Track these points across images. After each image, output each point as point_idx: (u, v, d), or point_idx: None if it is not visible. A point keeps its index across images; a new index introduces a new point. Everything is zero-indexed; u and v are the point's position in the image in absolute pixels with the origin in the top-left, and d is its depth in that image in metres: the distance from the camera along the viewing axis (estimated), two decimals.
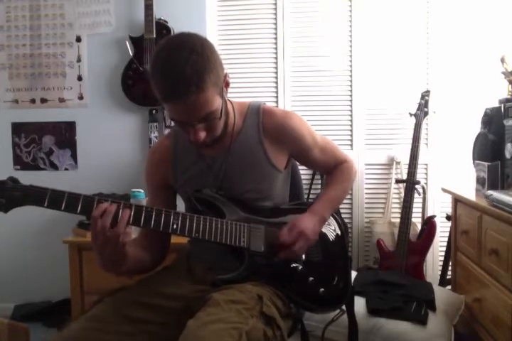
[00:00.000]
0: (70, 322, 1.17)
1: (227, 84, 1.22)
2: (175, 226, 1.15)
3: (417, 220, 2.48)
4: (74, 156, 2.70)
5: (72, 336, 1.10)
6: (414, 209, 2.40)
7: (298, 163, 1.53)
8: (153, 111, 2.58)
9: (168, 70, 1.08)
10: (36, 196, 1.04)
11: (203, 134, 1.18)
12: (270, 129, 1.33)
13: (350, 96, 2.60)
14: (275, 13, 2.61)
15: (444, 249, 2.40)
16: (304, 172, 2.27)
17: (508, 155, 1.80)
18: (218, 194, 1.29)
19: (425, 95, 2.45)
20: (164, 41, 1.15)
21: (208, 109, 1.14)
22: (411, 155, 2.40)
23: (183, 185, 1.35)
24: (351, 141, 2.60)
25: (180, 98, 1.09)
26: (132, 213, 1.10)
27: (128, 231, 1.10)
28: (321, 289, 1.30)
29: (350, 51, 2.58)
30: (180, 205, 1.44)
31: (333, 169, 1.45)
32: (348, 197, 2.55)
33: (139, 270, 1.28)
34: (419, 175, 2.49)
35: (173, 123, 1.24)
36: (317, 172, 2.55)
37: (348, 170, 1.45)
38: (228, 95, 1.31)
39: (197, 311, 1.09)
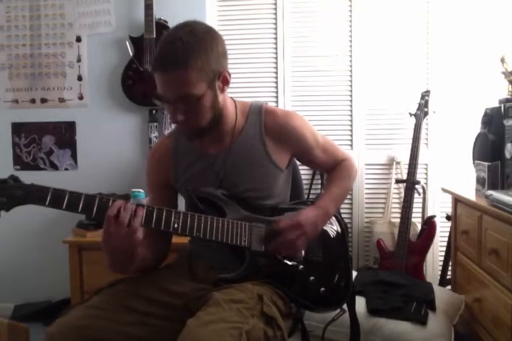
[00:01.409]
0: (69, 310, 1.17)
1: (225, 81, 1.22)
2: (176, 225, 1.15)
3: (417, 220, 2.48)
4: (74, 156, 2.70)
5: (71, 323, 1.11)
6: (414, 209, 2.40)
7: (298, 163, 1.53)
8: (153, 111, 2.58)
9: (163, 43, 1.16)
10: (38, 195, 1.04)
11: (179, 116, 1.19)
12: (272, 129, 1.33)
13: (350, 96, 2.60)
14: (275, 13, 2.61)
15: (444, 248, 2.40)
16: (304, 172, 2.27)
17: (508, 155, 1.80)
18: (219, 192, 1.29)
19: (425, 95, 2.45)
20: (179, 23, 1.21)
21: (186, 90, 1.15)
22: (411, 155, 2.40)
23: (184, 184, 1.35)
24: (351, 141, 2.60)
25: (162, 68, 1.14)
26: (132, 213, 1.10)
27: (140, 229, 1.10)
28: (322, 288, 1.30)
29: (350, 51, 2.58)
30: (180, 205, 1.44)
31: (333, 167, 1.46)
32: (348, 197, 2.55)
33: (143, 269, 1.28)
34: (419, 175, 2.49)
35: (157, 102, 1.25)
36: (317, 172, 2.55)
37: (348, 168, 1.46)
38: (229, 95, 1.32)
39: (197, 310, 1.09)
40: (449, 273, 2.32)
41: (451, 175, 2.52)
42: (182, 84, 1.14)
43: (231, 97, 1.35)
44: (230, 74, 1.23)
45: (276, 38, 2.62)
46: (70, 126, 2.69)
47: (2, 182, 1.04)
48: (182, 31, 1.16)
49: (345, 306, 1.37)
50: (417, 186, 2.39)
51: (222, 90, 1.24)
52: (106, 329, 1.12)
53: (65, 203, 1.05)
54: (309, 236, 1.27)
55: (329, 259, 1.36)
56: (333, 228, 1.41)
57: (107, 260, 1.14)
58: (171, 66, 1.13)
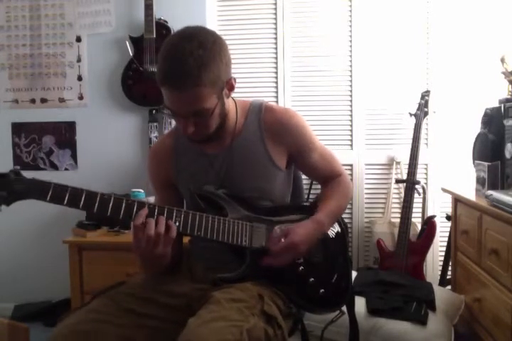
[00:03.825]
0: (69, 314, 1.17)
1: (231, 88, 1.22)
2: (177, 223, 1.15)
3: (417, 220, 2.48)
4: (74, 156, 2.70)
5: (71, 328, 1.10)
6: (414, 209, 2.40)
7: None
8: (153, 111, 2.58)
9: (172, 57, 1.11)
10: (39, 190, 1.03)
11: (191, 129, 1.19)
12: (270, 126, 1.32)
13: (350, 96, 2.60)
14: (275, 13, 2.61)
15: (444, 248, 2.40)
16: None
17: (508, 155, 1.80)
18: (220, 192, 1.29)
19: (425, 95, 2.45)
20: (180, 29, 1.17)
21: (200, 105, 1.14)
22: (411, 155, 2.40)
23: (185, 183, 1.35)
24: (351, 141, 2.60)
25: (175, 87, 1.11)
26: (135, 210, 1.10)
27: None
28: (321, 290, 1.30)
29: (350, 51, 2.58)
30: None
31: (329, 180, 1.43)
32: None
33: (166, 267, 1.28)
34: (419, 175, 2.49)
35: (165, 110, 1.24)
36: None
37: (346, 185, 1.43)
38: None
39: (198, 310, 1.09)
40: (449, 273, 2.32)
41: (451, 175, 2.52)
42: (196, 100, 1.13)
43: (231, 97, 1.35)
44: (235, 80, 1.23)
45: (276, 38, 2.62)
46: (70, 126, 2.69)
47: (3, 176, 1.02)
48: (191, 45, 1.10)
49: (344, 308, 1.37)
50: (417, 186, 2.39)
51: (228, 96, 1.25)
52: (106, 333, 1.12)
53: (66, 199, 1.05)
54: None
55: (329, 260, 1.35)
56: (333, 229, 1.40)
57: (142, 265, 1.23)
58: (185, 84, 1.10)
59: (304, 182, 1.61)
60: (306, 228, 1.26)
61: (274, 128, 1.32)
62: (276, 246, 1.21)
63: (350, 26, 2.57)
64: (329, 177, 1.43)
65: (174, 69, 1.10)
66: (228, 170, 1.32)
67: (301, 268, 1.28)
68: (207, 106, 1.15)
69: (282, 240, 1.22)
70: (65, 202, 1.05)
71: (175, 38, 1.15)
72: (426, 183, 2.54)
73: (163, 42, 1.16)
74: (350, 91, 2.59)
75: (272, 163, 1.33)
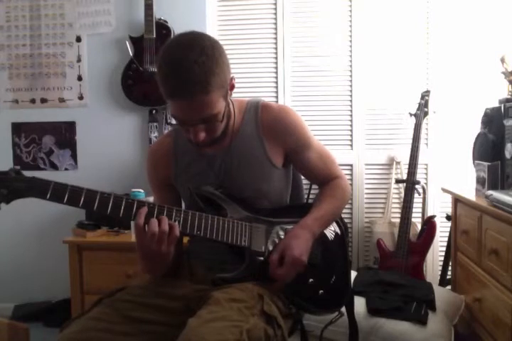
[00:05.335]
0: (70, 322, 1.16)
1: (232, 87, 1.22)
2: (176, 223, 1.15)
3: (417, 220, 2.48)
4: (74, 156, 2.70)
5: (73, 337, 1.10)
6: (414, 209, 2.40)
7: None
8: (153, 111, 2.58)
9: (177, 68, 1.09)
10: (39, 188, 1.04)
11: (202, 135, 1.18)
12: (267, 124, 1.32)
13: (350, 96, 2.60)
14: (275, 13, 2.61)
15: (444, 248, 2.40)
16: None
17: (508, 155, 1.80)
18: (219, 192, 1.29)
19: (425, 95, 2.45)
20: (175, 38, 1.16)
21: (211, 111, 1.14)
22: (411, 155, 2.40)
23: (184, 184, 1.35)
24: (351, 141, 2.60)
25: (185, 97, 1.10)
26: (134, 208, 1.10)
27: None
28: (321, 291, 1.30)
29: (350, 51, 2.58)
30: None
31: (326, 181, 1.42)
32: None
33: (168, 267, 1.27)
34: (419, 175, 2.49)
35: (174, 121, 1.23)
36: None
37: (343, 187, 1.41)
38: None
39: (198, 310, 1.09)
40: (449, 273, 2.32)
41: (451, 175, 2.52)
42: (206, 107, 1.13)
43: None
44: (234, 79, 1.22)
45: (276, 38, 2.62)
46: (70, 126, 2.69)
47: (3, 174, 1.03)
48: (193, 53, 1.09)
49: (343, 309, 1.37)
50: (417, 186, 2.39)
51: (230, 96, 1.25)
52: None
53: (66, 197, 1.05)
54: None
55: (328, 261, 1.35)
56: (333, 230, 1.40)
57: (144, 266, 1.21)
58: (193, 94, 1.09)
59: (304, 182, 1.60)
60: (298, 237, 1.25)
61: (271, 126, 1.32)
62: (280, 270, 1.20)
63: (350, 26, 2.58)
64: (326, 178, 1.42)
65: (181, 81, 1.09)
66: (227, 171, 1.32)
67: None
68: (217, 110, 1.15)
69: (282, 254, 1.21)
70: (65, 200, 1.05)
71: (174, 48, 1.13)
72: (426, 183, 2.54)
73: (161, 52, 1.13)
74: (350, 91, 2.59)
75: (269, 161, 1.32)
